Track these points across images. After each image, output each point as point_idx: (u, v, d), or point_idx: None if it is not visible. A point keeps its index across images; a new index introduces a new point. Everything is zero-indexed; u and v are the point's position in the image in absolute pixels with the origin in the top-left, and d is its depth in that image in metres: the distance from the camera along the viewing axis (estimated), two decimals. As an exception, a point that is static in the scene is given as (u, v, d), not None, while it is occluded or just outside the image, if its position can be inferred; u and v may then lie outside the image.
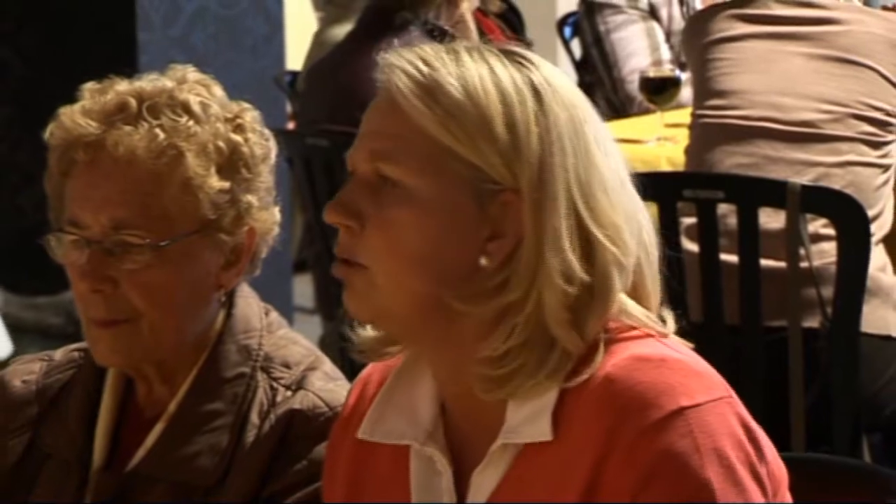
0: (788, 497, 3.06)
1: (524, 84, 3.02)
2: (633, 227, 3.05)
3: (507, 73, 3.03)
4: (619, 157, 3.11)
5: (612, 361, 2.97)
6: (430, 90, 3.00)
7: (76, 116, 3.40)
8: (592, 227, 2.97)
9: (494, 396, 3.00)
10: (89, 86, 3.46)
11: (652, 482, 2.92)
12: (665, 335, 3.06)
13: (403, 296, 3.02)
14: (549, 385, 2.98)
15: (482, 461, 3.04)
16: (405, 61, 3.04)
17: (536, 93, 3.02)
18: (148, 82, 3.48)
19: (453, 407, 3.12)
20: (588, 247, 2.98)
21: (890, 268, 5.91)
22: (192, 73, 3.50)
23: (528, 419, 3.00)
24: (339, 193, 3.03)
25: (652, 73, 7.09)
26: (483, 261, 2.97)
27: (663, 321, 3.10)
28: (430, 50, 3.07)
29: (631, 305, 3.05)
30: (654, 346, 3.02)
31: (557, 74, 3.10)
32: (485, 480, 3.05)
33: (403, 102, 3.00)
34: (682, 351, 3.05)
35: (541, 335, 2.96)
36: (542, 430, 2.97)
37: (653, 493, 2.92)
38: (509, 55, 3.07)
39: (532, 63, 3.06)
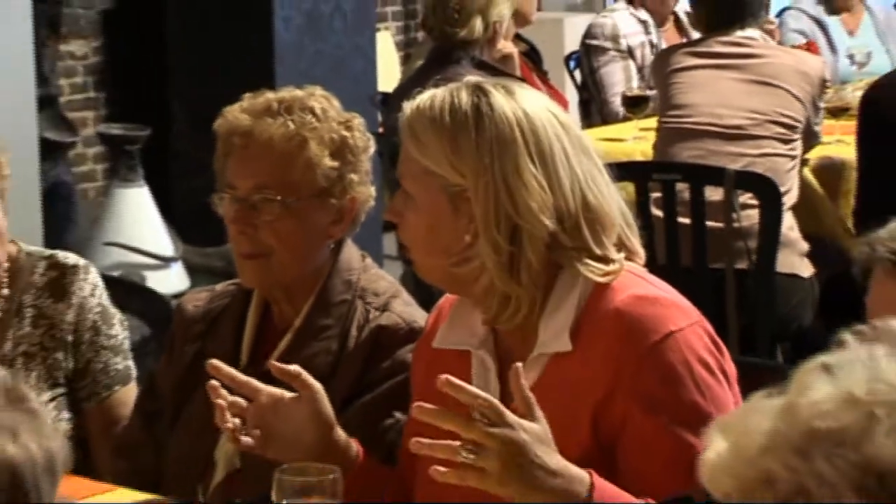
0: (736, 387, 3.03)
1: (470, 110, 3.01)
2: (560, 205, 2.99)
3: (463, 99, 3.03)
4: (569, 154, 3.04)
5: (619, 298, 2.99)
6: (412, 125, 3.05)
7: (236, 113, 3.46)
8: (511, 213, 2.96)
9: (492, 324, 3.09)
10: (247, 95, 3.51)
11: (654, 399, 2.94)
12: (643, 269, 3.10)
13: (426, 266, 3.12)
14: (556, 311, 3.01)
15: (523, 365, 2.93)
16: (408, 109, 3.08)
17: (477, 112, 3.00)
18: (286, 92, 3.53)
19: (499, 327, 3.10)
20: (513, 229, 2.97)
21: (796, 227, 5.87)
22: (318, 90, 3.55)
23: (553, 336, 3.00)
24: (392, 201, 3.16)
25: (630, 93, 6.99)
26: (466, 237, 2.98)
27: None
28: (424, 94, 3.08)
29: (614, 251, 3.05)
30: (646, 287, 3.05)
31: (511, 99, 3.06)
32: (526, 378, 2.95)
33: (403, 136, 3.08)
34: (665, 288, 3.09)
35: (493, 288, 2.99)
36: (563, 344, 2.98)
37: (655, 409, 2.95)
38: (476, 88, 3.07)
39: (487, 92, 3.04)
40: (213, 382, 3.03)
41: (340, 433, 3.08)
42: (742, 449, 1.63)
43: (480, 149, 2.95)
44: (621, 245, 3.05)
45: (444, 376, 2.70)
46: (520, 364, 2.74)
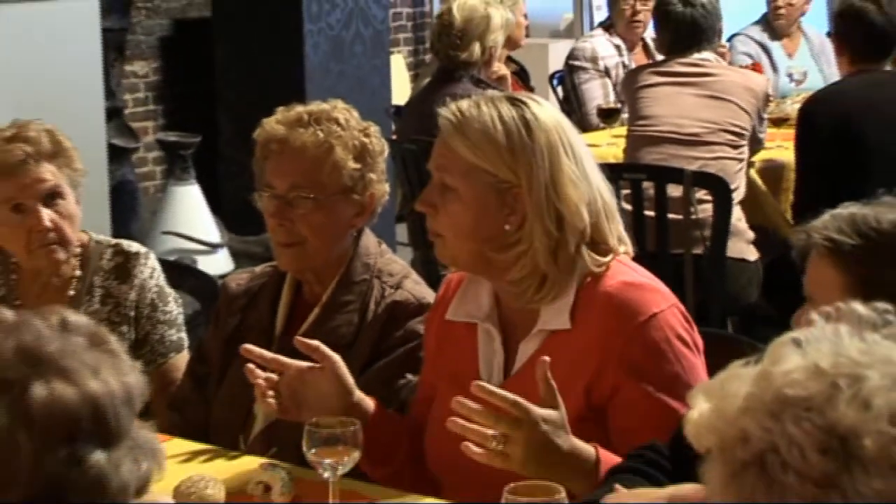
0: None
1: (516, 118, 3.02)
2: (590, 200, 3.02)
3: (508, 111, 3.03)
4: (587, 156, 3.11)
5: (609, 283, 3.02)
6: (462, 129, 3.03)
7: (272, 123, 3.47)
8: (561, 206, 2.97)
9: (518, 304, 3.06)
10: (281, 108, 3.51)
11: (640, 370, 2.96)
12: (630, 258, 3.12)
13: (462, 251, 3.07)
14: (559, 297, 3.01)
15: (525, 337, 3.05)
16: (448, 112, 3.08)
17: (525, 123, 3.01)
18: (315, 105, 3.53)
19: (504, 301, 3.12)
20: (559, 219, 2.97)
21: (743, 219, 5.88)
22: (340, 104, 3.55)
23: (555, 315, 3.02)
24: (423, 192, 3.13)
25: (604, 106, 6.99)
26: (506, 227, 2.98)
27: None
28: (463, 103, 3.09)
29: (615, 243, 3.09)
30: (632, 274, 3.06)
31: (543, 109, 3.11)
32: (526, 349, 3.05)
33: (448, 137, 3.04)
34: (647, 275, 3.10)
35: (536, 270, 2.98)
36: (563, 322, 3.01)
37: (642, 378, 2.96)
38: (511, 100, 3.09)
39: (525, 104, 3.07)
40: (249, 365, 3.05)
41: (358, 394, 3.07)
42: (722, 410, 1.63)
43: (534, 151, 2.97)
44: (619, 236, 3.08)
45: (477, 383, 2.73)
46: (546, 358, 2.74)
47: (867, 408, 1.56)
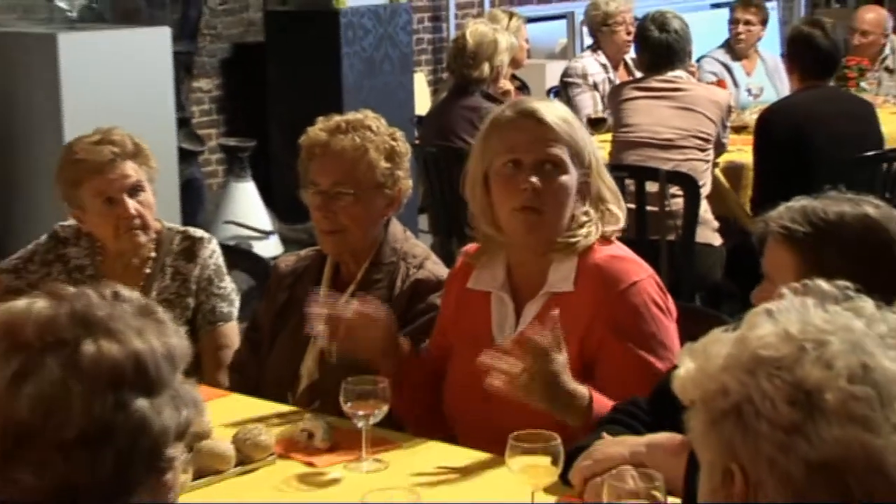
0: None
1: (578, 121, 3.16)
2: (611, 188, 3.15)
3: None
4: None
5: (599, 256, 3.04)
6: (556, 112, 3.10)
7: (315, 131, 3.45)
8: (602, 187, 3.09)
9: (535, 271, 3.09)
10: (321, 118, 3.49)
11: (624, 326, 2.99)
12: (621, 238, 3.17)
13: (555, 230, 3.07)
14: (566, 258, 3.05)
15: (531, 300, 3.07)
16: (525, 102, 3.16)
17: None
18: (350, 115, 3.51)
19: (515, 271, 3.14)
20: (599, 196, 3.08)
21: (709, 210, 5.86)
22: (371, 113, 3.53)
23: (561, 280, 3.05)
24: (536, 178, 3.03)
25: (593, 115, 6.93)
26: (583, 206, 3.09)
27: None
28: (544, 101, 3.26)
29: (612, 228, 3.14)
30: (617, 250, 3.09)
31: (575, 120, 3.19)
32: (531, 309, 3.07)
33: (547, 123, 3.05)
34: (628, 251, 3.12)
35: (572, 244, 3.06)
36: (568, 285, 3.03)
37: (625, 333, 2.98)
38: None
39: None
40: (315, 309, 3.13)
41: (398, 337, 3.15)
42: (705, 368, 1.63)
43: (593, 148, 3.14)
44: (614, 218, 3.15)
45: (525, 335, 2.81)
46: (556, 311, 2.80)
47: (829, 368, 1.56)
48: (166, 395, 1.76)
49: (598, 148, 3.21)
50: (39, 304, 1.76)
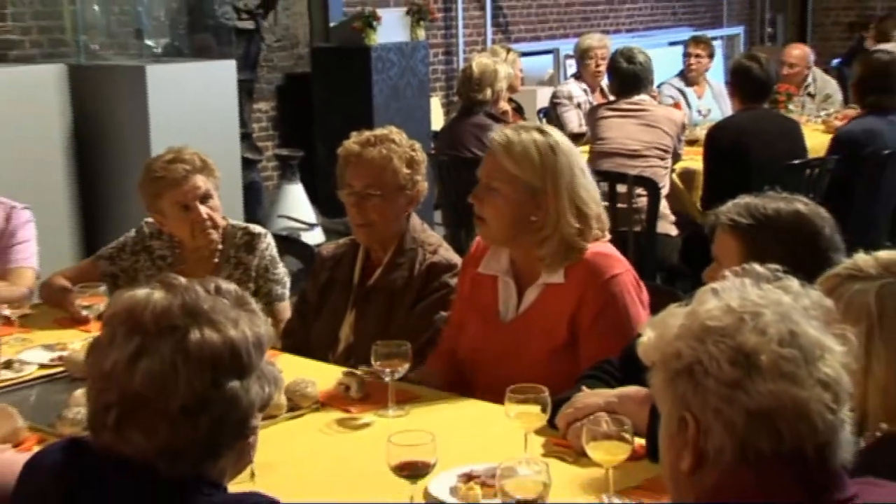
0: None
1: (546, 143, 2.98)
2: (594, 201, 3.02)
3: (540, 139, 2.98)
4: (587, 169, 3.07)
5: (589, 253, 2.97)
6: (509, 150, 2.97)
7: (350, 143, 3.43)
8: (579, 203, 2.96)
9: (531, 264, 3.02)
10: (354, 133, 3.45)
11: (604, 310, 2.94)
12: (606, 239, 3.06)
13: (499, 232, 3.02)
14: (559, 265, 2.97)
15: (530, 286, 3.03)
16: (499, 136, 3.01)
17: (552, 148, 2.97)
18: (378, 131, 3.47)
19: (517, 263, 3.09)
20: (578, 212, 2.96)
21: (668, 207, 5.84)
22: (394, 129, 3.48)
23: (552, 272, 2.99)
24: (475, 190, 3.04)
25: (575, 131, 6.92)
26: (533, 218, 2.96)
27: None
28: (508, 130, 3.03)
29: (597, 228, 3.02)
30: (603, 247, 3.02)
31: (562, 137, 3.05)
32: (530, 294, 3.03)
33: (497, 155, 2.99)
34: (612, 250, 3.06)
35: (563, 245, 2.95)
36: (559, 278, 2.98)
37: (605, 316, 2.94)
38: (540, 130, 3.03)
39: (549, 132, 3.03)
40: None
41: None
42: (663, 336, 1.63)
43: (560, 168, 2.93)
44: (601, 225, 3.04)
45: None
46: None
47: (763, 334, 1.56)
48: (253, 377, 1.77)
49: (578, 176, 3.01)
50: (157, 294, 1.77)
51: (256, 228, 3.82)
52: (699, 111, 7.91)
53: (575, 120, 7.33)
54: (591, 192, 3.00)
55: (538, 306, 3.01)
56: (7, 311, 3.47)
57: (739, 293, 1.62)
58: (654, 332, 1.65)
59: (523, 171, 2.94)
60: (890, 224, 5.93)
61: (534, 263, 3.02)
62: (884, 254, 2.03)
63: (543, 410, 2.46)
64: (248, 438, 1.80)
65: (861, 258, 2.05)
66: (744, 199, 2.66)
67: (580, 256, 2.96)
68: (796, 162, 5.64)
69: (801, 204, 2.63)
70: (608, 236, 3.06)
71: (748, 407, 1.53)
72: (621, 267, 2.98)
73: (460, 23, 9.96)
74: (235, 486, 1.81)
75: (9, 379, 3.10)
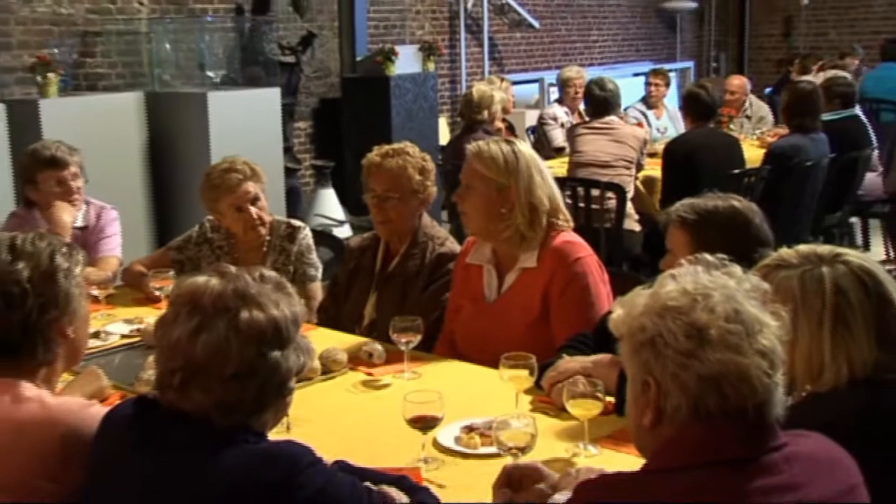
0: (608, 284, 3.04)
1: (510, 150, 2.95)
2: (550, 196, 2.96)
3: (506, 147, 2.95)
4: (547, 172, 3.02)
5: (556, 240, 2.95)
6: (480, 156, 2.95)
7: (372, 156, 3.39)
8: (533, 200, 2.92)
9: (507, 253, 3.00)
10: (376, 147, 3.42)
11: (570, 285, 2.91)
12: (571, 228, 3.03)
13: (476, 223, 2.98)
14: (530, 249, 2.95)
15: (509, 272, 3.00)
16: (473, 147, 2.99)
17: (514, 154, 2.94)
18: (395, 145, 3.44)
19: (498, 253, 3.07)
20: (531, 206, 2.92)
21: (632, 208, 5.80)
22: (408, 143, 3.45)
23: (528, 259, 2.97)
24: (457, 191, 3.02)
25: (559, 145, 6.97)
26: (502, 210, 2.92)
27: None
28: (480, 142, 3.00)
29: (563, 221, 3.00)
30: (569, 236, 2.99)
31: (524, 146, 3.01)
32: (509, 279, 3.01)
33: (472, 160, 2.97)
34: (576, 237, 3.02)
35: (517, 233, 2.92)
36: (532, 262, 2.96)
37: (571, 290, 2.91)
38: (507, 141, 3.01)
39: (514, 143, 2.99)
40: None
41: None
42: (630, 313, 1.61)
43: (520, 169, 2.91)
44: (565, 217, 3.02)
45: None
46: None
47: (713, 312, 1.55)
48: (291, 348, 1.77)
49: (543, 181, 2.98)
50: (213, 281, 1.77)
51: (296, 222, 3.81)
52: (658, 129, 7.87)
53: (559, 137, 7.31)
54: (546, 191, 2.95)
55: (516, 287, 2.98)
56: (96, 292, 3.48)
57: (693, 278, 1.61)
58: (623, 310, 1.63)
59: (491, 172, 2.92)
60: (811, 223, 5.92)
61: (512, 253, 2.99)
62: (803, 247, 2.03)
63: (531, 374, 2.45)
64: (286, 398, 1.81)
65: (785, 251, 2.04)
66: (690, 200, 2.65)
67: (542, 243, 2.93)
68: (736, 171, 5.61)
69: (736, 201, 2.63)
70: (572, 225, 3.03)
71: (700, 372, 1.52)
72: (585, 251, 2.96)
73: (463, 57, 9.93)
74: (273, 436, 1.79)
75: (97, 347, 3.10)
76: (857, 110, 6.59)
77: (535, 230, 2.92)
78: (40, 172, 3.83)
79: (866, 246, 6.94)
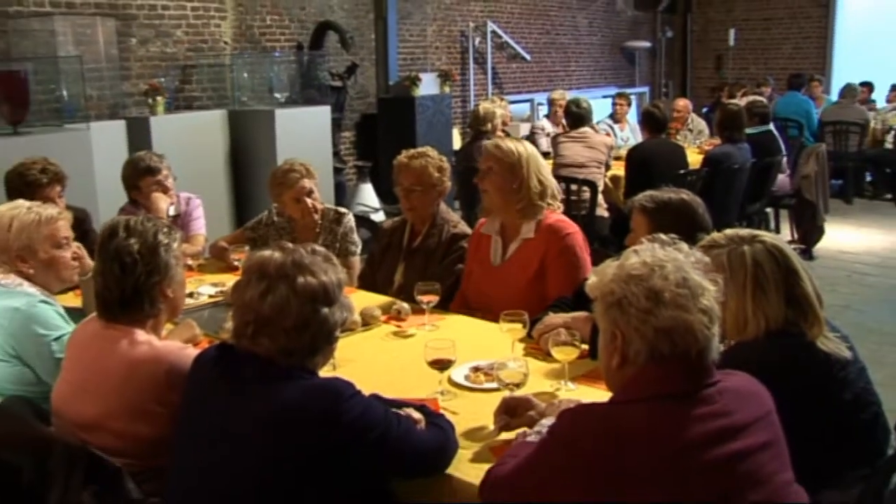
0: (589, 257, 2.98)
1: (519, 142, 2.93)
2: (550, 178, 2.93)
3: (515, 141, 2.93)
4: (544, 164, 2.97)
5: (550, 218, 2.91)
6: (497, 146, 2.91)
7: (401, 158, 3.34)
8: (540, 177, 2.88)
9: (513, 223, 2.94)
10: (405, 151, 3.36)
11: (562, 254, 2.86)
12: (561, 211, 2.98)
13: (496, 199, 2.93)
14: (531, 222, 2.90)
15: (512, 241, 2.96)
16: (490, 142, 2.96)
17: (523, 145, 2.92)
18: (419, 149, 3.38)
19: (504, 224, 3.01)
20: (541, 187, 2.88)
21: (602, 199, 5.76)
22: (430, 148, 3.40)
23: (528, 231, 2.92)
24: (479, 174, 2.95)
25: (543, 151, 6.80)
26: (514, 186, 2.88)
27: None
28: (498, 141, 2.95)
29: (556, 202, 2.96)
30: (560, 216, 2.94)
31: (528, 144, 2.97)
32: (513, 247, 2.95)
33: (490, 151, 2.92)
34: (565, 217, 2.97)
35: (531, 206, 2.87)
36: (531, 234, 2.91)
37: (563, 257, 2.85)
38: (514, 139, 2.98)
39: (520, 140, 2.96)
40: None
41: None
42: (602, 279, 1.60)
43: (526, 155, 2.88)
44: (557, 200, 2.98)
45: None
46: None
47: (666, 279, 1.53)
48: (337, 305, 1.77)
49: (544, 168, 2.97)
50: (276, 254, 1.77)
51: (342, 210, 3.77)
52: (622, 139, 7.80)
53: (545, 144, 7.26)
54: (545, 173, 2.94)
55: (518, 254, 2.95)
56: (190, 262, 3.50)
57: (651, 253, 1.59)
58: (596, 277, 1.62)
59: (506, 157, 2.89)
60: (738, 212, 5.92)
61: (516, 226, 2.96)
62: (729, 231, 2.04)
63: (524, 327, 2.44)
64: (333, 345, 1.81)
65: (716, 234, 2.05)
66: (649, 192, 2.63)
67: (544, 217, 2.88)
68: (682, 172, 5.56)
69: (685, 194, 2.61)
70: (562, 208, 3.01)
71: (656, 326, 1.52)
72: (573, 228, 2.92)
73: (471, 82, 9.88)
74: (323, 374, 1.80)
75: (190, 304, 3.11)
76: (772, 126, 6.67)
77: (544, 200, 2.90)
78: (141, 179, 3.83)
79: (777, 229, 6.99)
